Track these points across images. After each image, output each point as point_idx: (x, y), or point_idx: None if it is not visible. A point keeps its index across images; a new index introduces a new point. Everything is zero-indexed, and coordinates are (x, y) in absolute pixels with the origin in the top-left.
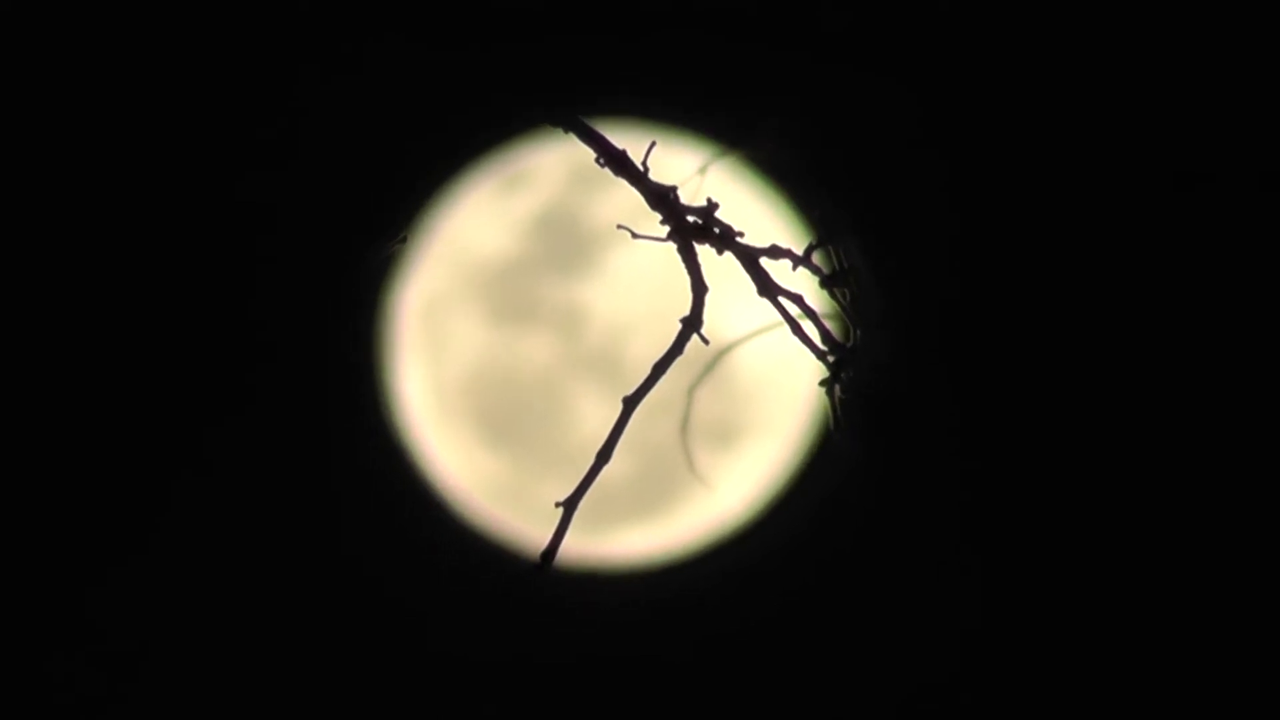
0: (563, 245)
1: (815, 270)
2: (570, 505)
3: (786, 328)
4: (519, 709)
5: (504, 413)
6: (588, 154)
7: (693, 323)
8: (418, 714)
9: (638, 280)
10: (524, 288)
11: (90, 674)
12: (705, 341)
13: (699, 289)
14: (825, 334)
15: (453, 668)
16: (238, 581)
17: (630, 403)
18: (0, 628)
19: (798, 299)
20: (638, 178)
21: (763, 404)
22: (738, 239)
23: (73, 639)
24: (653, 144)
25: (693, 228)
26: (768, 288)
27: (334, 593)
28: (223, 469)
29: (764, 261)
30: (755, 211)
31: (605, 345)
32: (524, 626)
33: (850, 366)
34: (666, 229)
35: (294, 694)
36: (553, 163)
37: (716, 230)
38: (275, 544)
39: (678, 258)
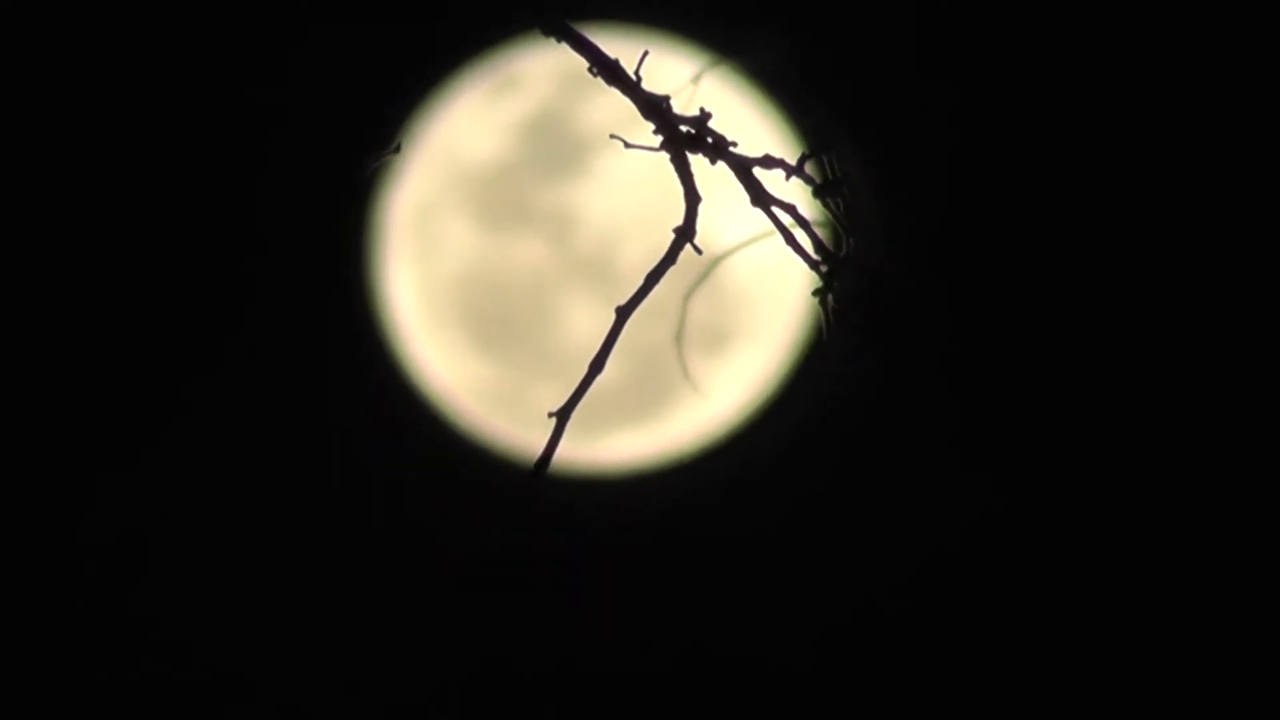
0: (553, 151)
1: (808, 180)
2: (563, 415)
3: (780, 237)
4: (512, 609)
5: (495, 318)
6: (579, 59)
7: (686, 232)
8: (413, 616)
9: (628, 186)
10: (515, 193)
11: (91, 587)
12: (698, 251)
13: (692, 199)
14: (818, 243)
15: (446, 570)
16: (233, 489)
17: (623, 313)
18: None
19: (791, 208)
20: (631, 87)
21: (755, 310)
22: (731, 149)
23: (73, 546)
24: (645, 53)
25: (685, 137)
26: (761, 197)
27: (328, 498)
28: (217, 375)
29: (757, 171)
30: (748, 121)
31: (596, 250)
32: (517, 530)
33: (843, 275)
34: (659, 138)
35: (292, 600)
36: (543, 67)
37: (709, 140)
38: (269, 449)
39: (669, 164)
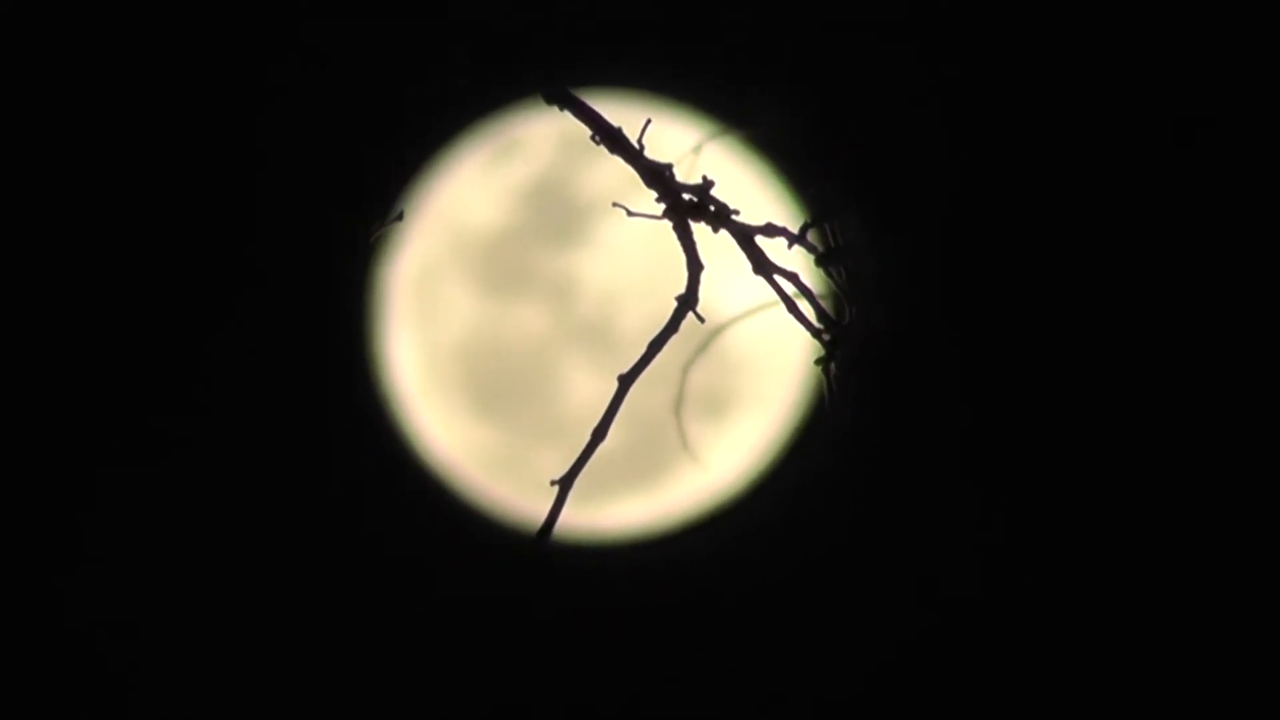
0: (555, 216)
1: (811, 248)
2: (566, 483)
3: (782, 305)
4: (513, 675)
5: (496, 383)
6: (581, 124)
7: (688, 300)
8: (412, 681)
9: (630, 252)
10: (516, 258)
11: (75, 643)
12: (701, 320)
13: (694, 267)
14: (820, 312)
15: (446, 635)
16: (231, 551)
17: (626, 381)
18: None
19: (793, 277)
20: (633, 155)
21: (756, 376)
22: (733, 217)
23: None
24: (648, 121)
25: (688, 205)
26: (763, 265)
27: (326, 561)
28: (215, 438)
29: (759, 239)
30: (750, 189)
31: (597, 316)
32: (518, 595)
33: (845, 344)
34: (662, 206)
35: (289, 664)
36: (545, 132)
37: (712, 208)
38: (267, 513)
39: (671, 231)
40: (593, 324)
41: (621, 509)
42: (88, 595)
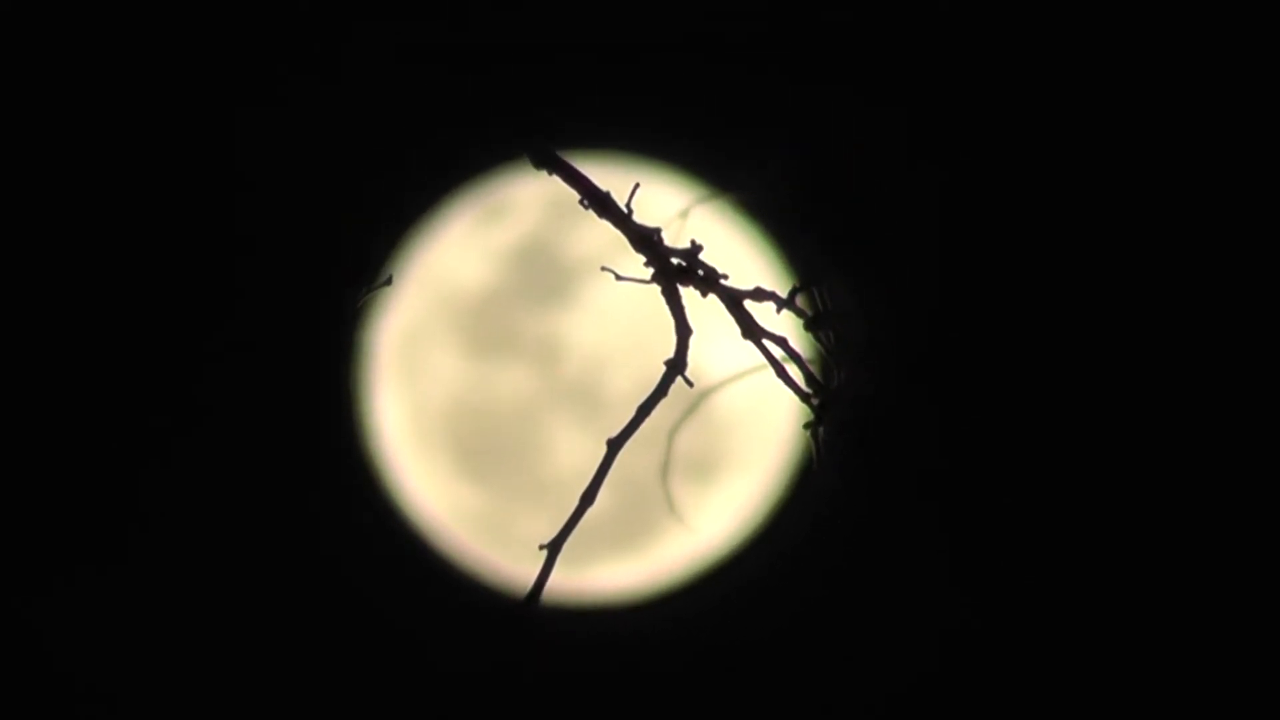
0: (542, 278)
1: (799, 312)
2: (554, 547)
3: (770, 370)
4: None
5: (482, 445)
6: (569, 187)
7: (677, 365)
8: None
9: (616, 313)
10: (502, 320)
11: (54, 699)
12: (690, 384)
13: (683, 331)
14: (809, 376)
15: (434, 698)
16: (218, 617)
17: (614, 445)
18: None
19: (781, 341)
20: (622, 219)
21: (743, 439)
22: (722, 281)
23: (36, 654)
24: (636, 185)
25: (676, 269)
26: (752, 330)
27: (315, 625)
28: (202, 502)
29: (748, 303)
30: (739, 253)
31: (583, 378)
32: (506, 658)
33: (834, 409)
34: (650, 270)
35: None
36: (532, 194)
37: (700, 272)
38: (256, 575)
39: (657, 293)
40: (579, 386)
41: (608, 572)
42: (65, 668)
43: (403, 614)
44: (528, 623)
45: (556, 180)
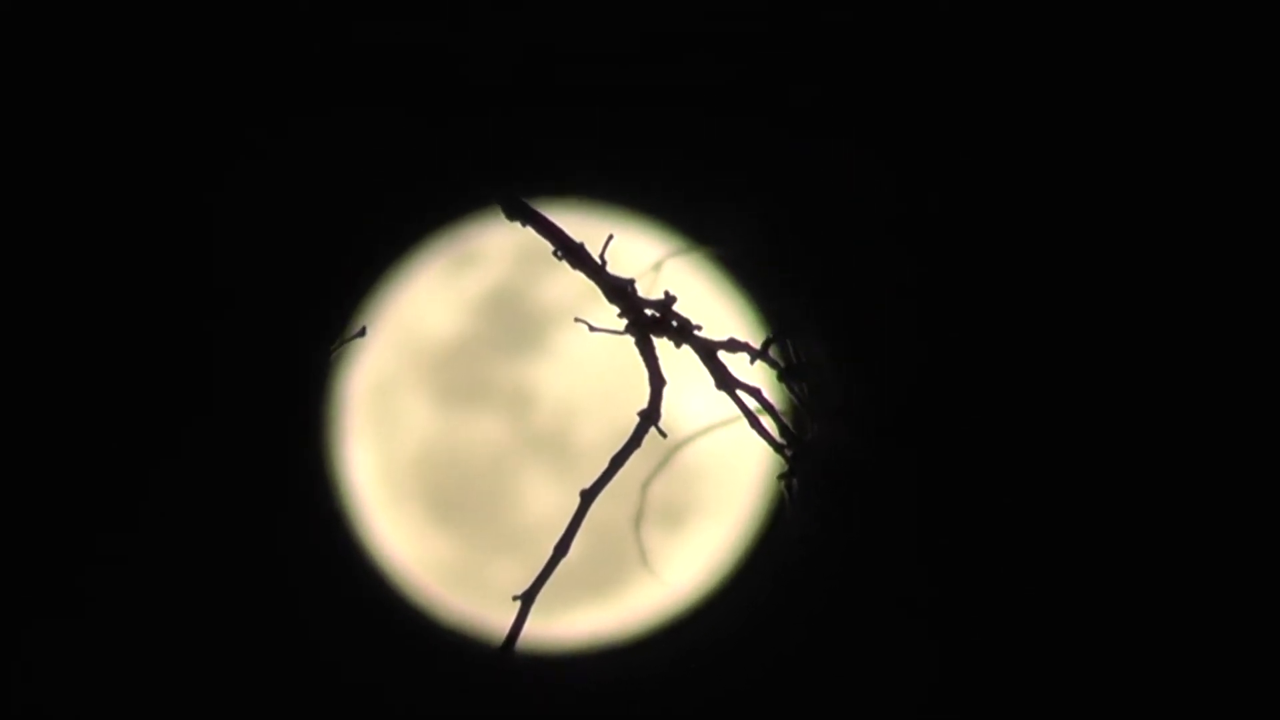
0: (514, 327)
1: (773, 364)
2: (528, 597)
3: (744, 420)
4: None
5: (454, 495)
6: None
7: (650, 416)
8: None
9: (588, 363)
10: (474, 370)
11: None
12: (663, 435)
13: (656, 382)
14: (783, 427)
15: None
16: (187, 670)
17: (588, 496)
18: None
19: (755, 392)
20: (595, 270)
21: (715, 489)
22: (696, 332)
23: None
24: (610, 237)
25: (650, 320)
26: (725, 381)
27: (285, 675)
28: (168, 551)
29: (722, 355)
30: (713, 304)
31: (555, 428)
32: (477, 708)
33: (807, 460)
34: (624, 321)
35: None
36: (503, 242)
37: (674, 323)
38: (225, 627)
39: (629, 341)
40: (551, 436)
41: (579, 619)
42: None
43: (375, 664)
44: (502, 671)
45: (529, 230)
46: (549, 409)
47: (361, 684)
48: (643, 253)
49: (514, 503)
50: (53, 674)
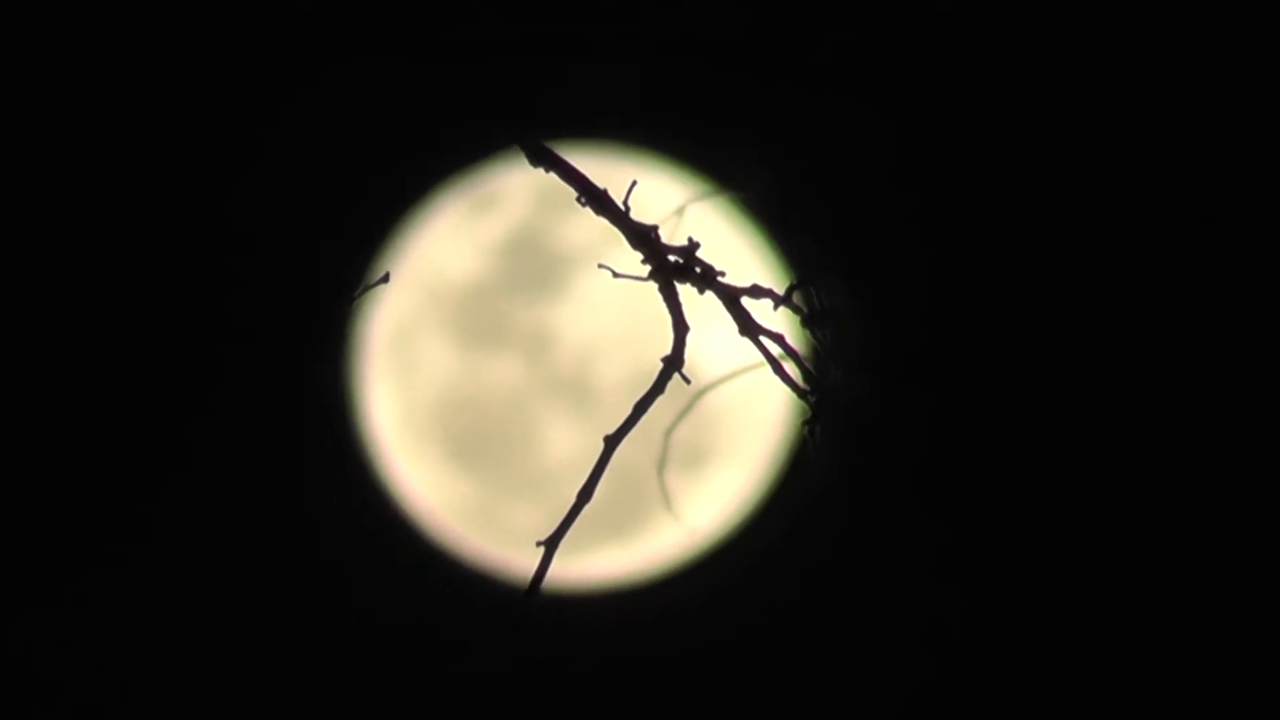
0: (535, 271)
1: (796, 310)
2: (552, 543)
3: (766, 366)
4: None
5: (474, 436)
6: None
7: (674, 362)
8: None
9: (610, 306)
10: (496, 314)
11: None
12: (687, 381)
13: (680, 328)
14: (806, 372)
15: (431, 690)
16: (209, 614)
17: (611, 441)
18: None
19: (778, 338)
20: (619, 217)
21: (736, 431)
22: (719, 278)
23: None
24: (634, 183)
25: (674, 267)
26: (749, 327)
27: (310, 617)
28: (193, 497)
29: (745, 301)
30: (737, 250)
31: (577, 371)
32: (502, 650)
33: (829, 405)
34: (647, 267)
35: None
36: (525, 187)
37: (698, 269)
38: (248, 570)
39: (652, 286)
40: (573, 380)
41: (601, 561)
42: (73, 646)
43: (396, 605)
44: (526, 614)
45: (552, 175)
46: (571, 354)
47: (386, 627)
48: (666, 198)
49: (535, 446)
50: (95, 603)
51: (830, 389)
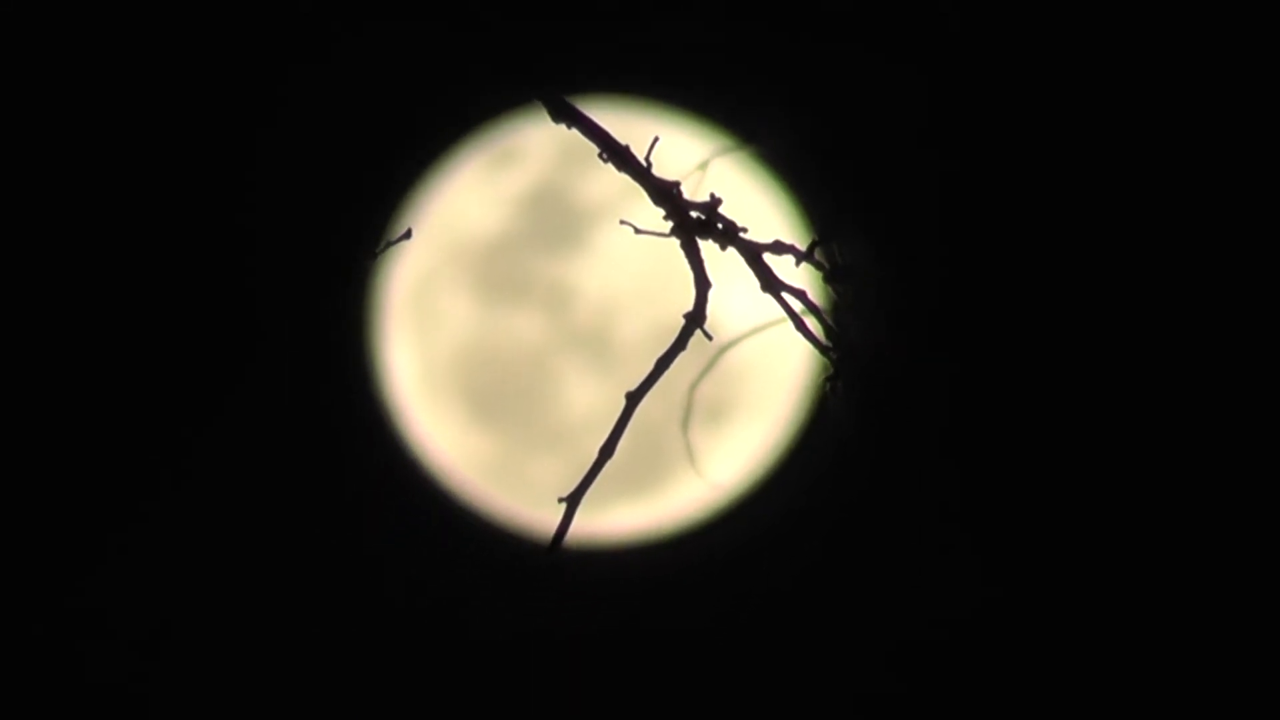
0: (557, 226)
1: (819, 266)
2: (574, 499)
3: (789, 323)
4: (515, 684)
5: (496, 393)
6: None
7: (696, 318)
8: (416, 690)
9: (631, 262)
10: (516, 267)
11: (93, 663)
12: (709, 337)
13: (702, 284)
14: (828, 329)
15: (454, 646)
16: (235, 568)
17: (633, 398)
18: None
19: (801, 294)
20: (641, 173)
21: (757, 386)
22: (741, 234)
23: (74, 627)
24: (656, 139)
25: (696, 223)
26: (771, 284)
27: (330, 573)
28: (217, 455)
29: (767, 257)
30: (759, 206)
31: (598, 327)
32: (524, 606)
33: (851, 362)
34: (669, 223)
35: (297, 679)
36: (545, 139)
37: (720, 225)
38: (271, 526)
39: (674, 242)
40: (594, 335)
41: (622, 517)
42: (102, 605)
43: (418, 561)
44: (548, 570)
45: (574, 131)
46: (593, 310)
47: (409, 582)
48: (688, 154)
49: (557, 402)
50: (126, 555)
51: (852, 345)
